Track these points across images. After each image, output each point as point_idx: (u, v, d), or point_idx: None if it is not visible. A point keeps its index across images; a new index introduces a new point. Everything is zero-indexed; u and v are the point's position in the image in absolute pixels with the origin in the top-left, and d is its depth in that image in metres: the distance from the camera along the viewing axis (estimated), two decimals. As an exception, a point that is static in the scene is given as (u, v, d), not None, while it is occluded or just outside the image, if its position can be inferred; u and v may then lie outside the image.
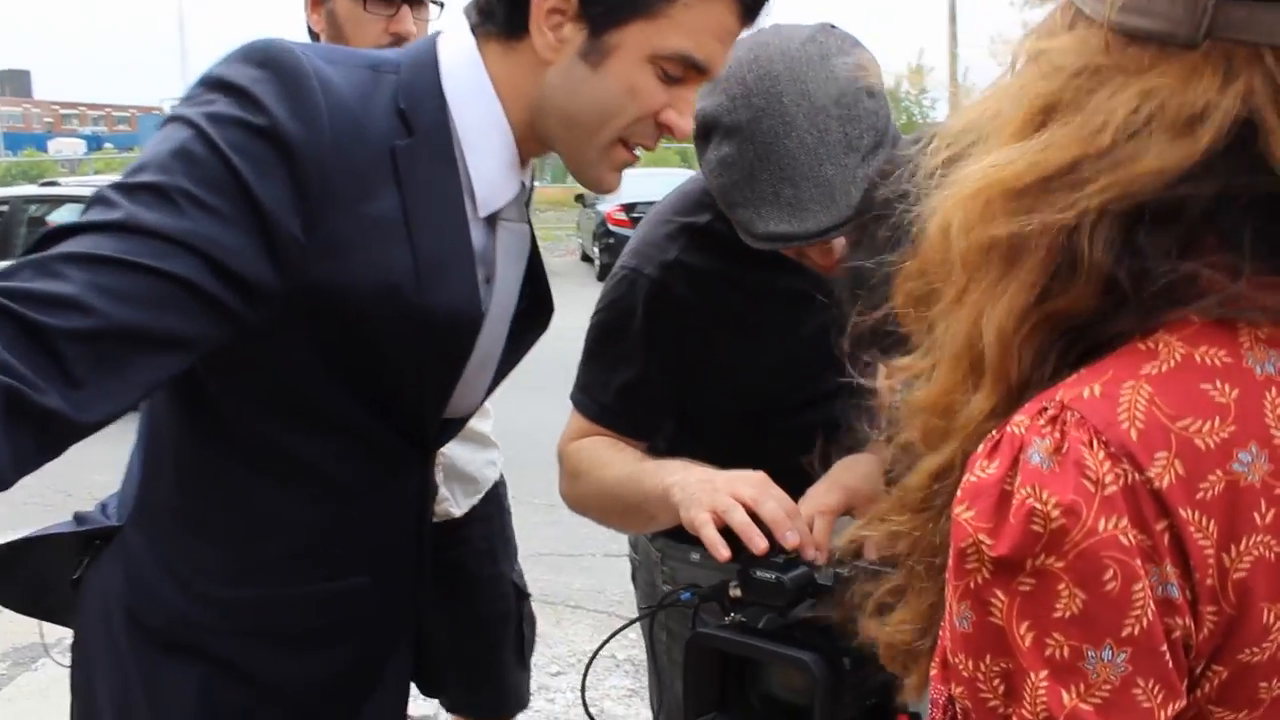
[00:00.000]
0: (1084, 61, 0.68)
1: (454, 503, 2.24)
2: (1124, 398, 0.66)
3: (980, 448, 0.70)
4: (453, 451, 2.22)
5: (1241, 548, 0.64)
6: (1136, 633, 0.63)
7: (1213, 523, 0.64)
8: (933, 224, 0.72)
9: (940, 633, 0.74)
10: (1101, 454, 0.64)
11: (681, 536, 1.85)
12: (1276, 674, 0.67)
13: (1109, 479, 0.64)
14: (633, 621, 1.59)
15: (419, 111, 1.15)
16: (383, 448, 1.26)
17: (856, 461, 1.53)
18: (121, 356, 0.96)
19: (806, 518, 1.37)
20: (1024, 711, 0.66)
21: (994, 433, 0.70)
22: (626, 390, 1.65)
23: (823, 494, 1.39)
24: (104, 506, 1.36)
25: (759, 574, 1.25)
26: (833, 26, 1.46)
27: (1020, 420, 0.68)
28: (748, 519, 1.31)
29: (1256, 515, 0.65)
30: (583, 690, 1.51)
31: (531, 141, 1.24)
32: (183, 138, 1.03)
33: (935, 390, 0.76)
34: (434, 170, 1.15)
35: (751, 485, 1.35)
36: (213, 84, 1.07)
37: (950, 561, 0.69)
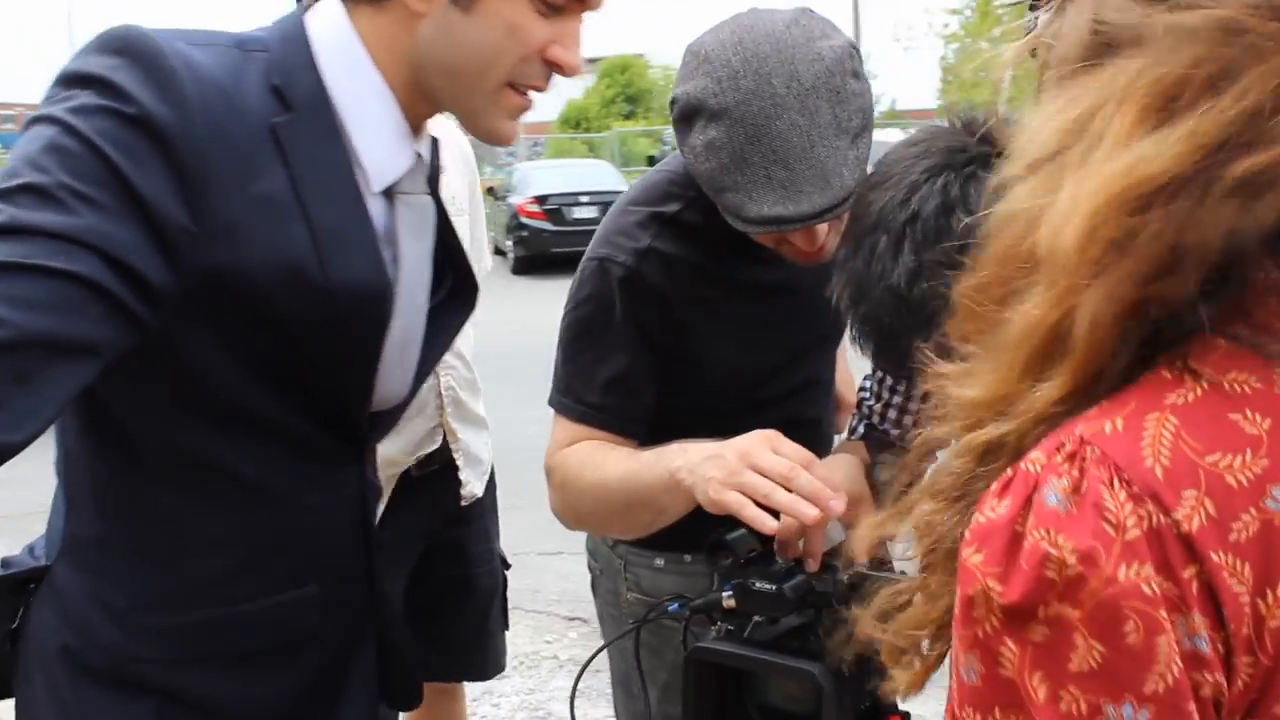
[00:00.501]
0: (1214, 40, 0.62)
1: (475, 485, 2.40)
2: (1148, 431, 0.62)
3: (992, 486, 0.66)
4: (466, 437, 2.38)
5: (1279, 593, 0.60)
6: (1161, 690, 0.59)
7: (1247, 566, 0.60)
8: (1048, 225, 0.67)
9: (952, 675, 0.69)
10: (1123, 494, 0.60)
11: (646, 543, 1.83)
12: None
13: (1131, 522, 0.59)
14: (623, 635, 1.55)
15: (294, 86, 1.10)
16: (311, 447, 1.21)
17: (839, 462, 1.52)
18: (38, 369, 0.91)
19: (795, 524, 1.35)
20: None
21: (1007, 471, 0.66)
22: (613, 384, 1.59)
23: None
24: (31, 548, 1.27)
25: (759, 585, 1.22)
26: (811, 10, 1.44)
27: (1035, 457, 0.64)
28: (790, 496, 1.25)
29: None
30: (572, 698, 1.47)
31: (419, 104, 1.19)
32: (50, 134, 0.96)
33: (995, 385, 0.70)
34: (318, 145, 1.11)
35: (770, 452, 1.29)
36: (71, 79, 1.01)
37: (957, 610, 0.65)
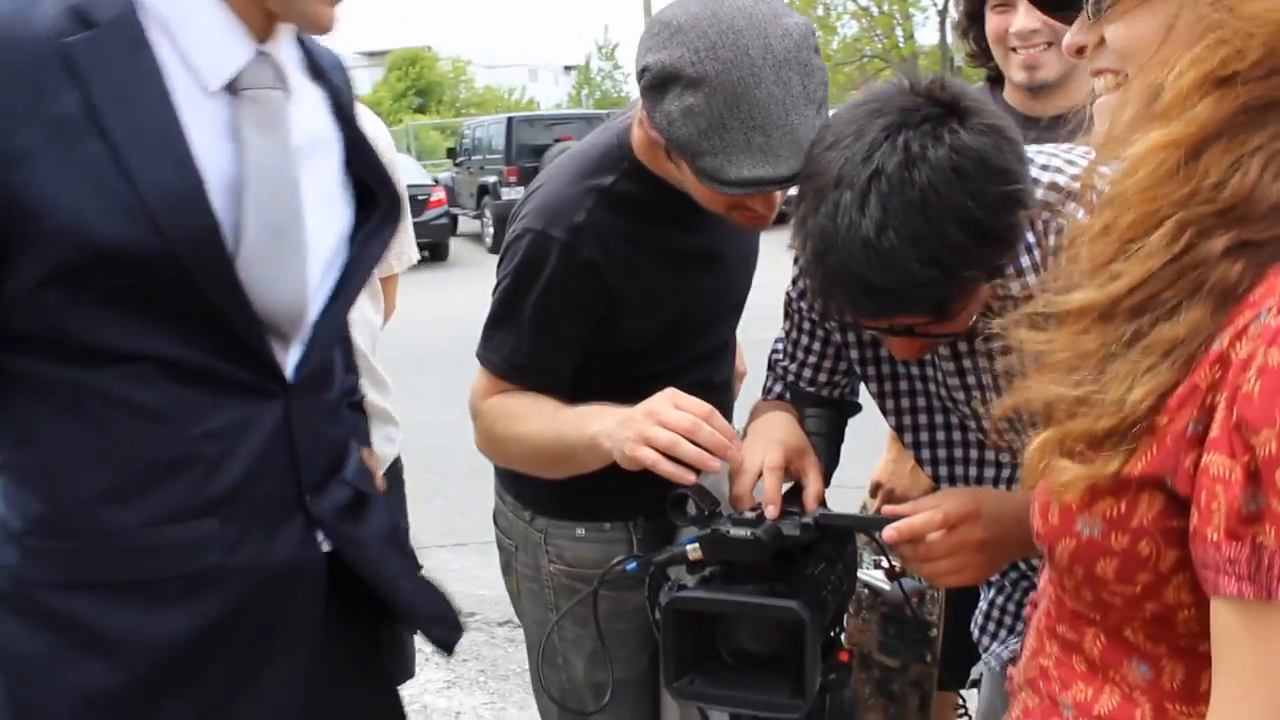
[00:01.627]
0: None
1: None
2: None
3: (1265, 316, 0.79)
4: None
5: None
6: None
7: None
8: None
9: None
10: None
11: (566, 514, 1.86)
12: None
13: None
14: (582, 598, 1.57)
15: (98, 9, 1.12)
16: (203, 374, 1.20)
17: (775, 418, 1.59)
18: None
19: (753, 480, 1.42)
20: None
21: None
22: (538, 349, 1.66)
23: (762, 451, 1.44)
24: None
25: (733, 532, 1.27)
26: None
27: None
28: (694, 448, 1.39)
29: None
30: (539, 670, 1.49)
31: (253, 11, 1.21)
32: None
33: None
34: (121, 57, 1.12)
35: (675, 408, 1.43)
36: None
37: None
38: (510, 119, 17.58)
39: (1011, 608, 1.77)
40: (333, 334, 1.35)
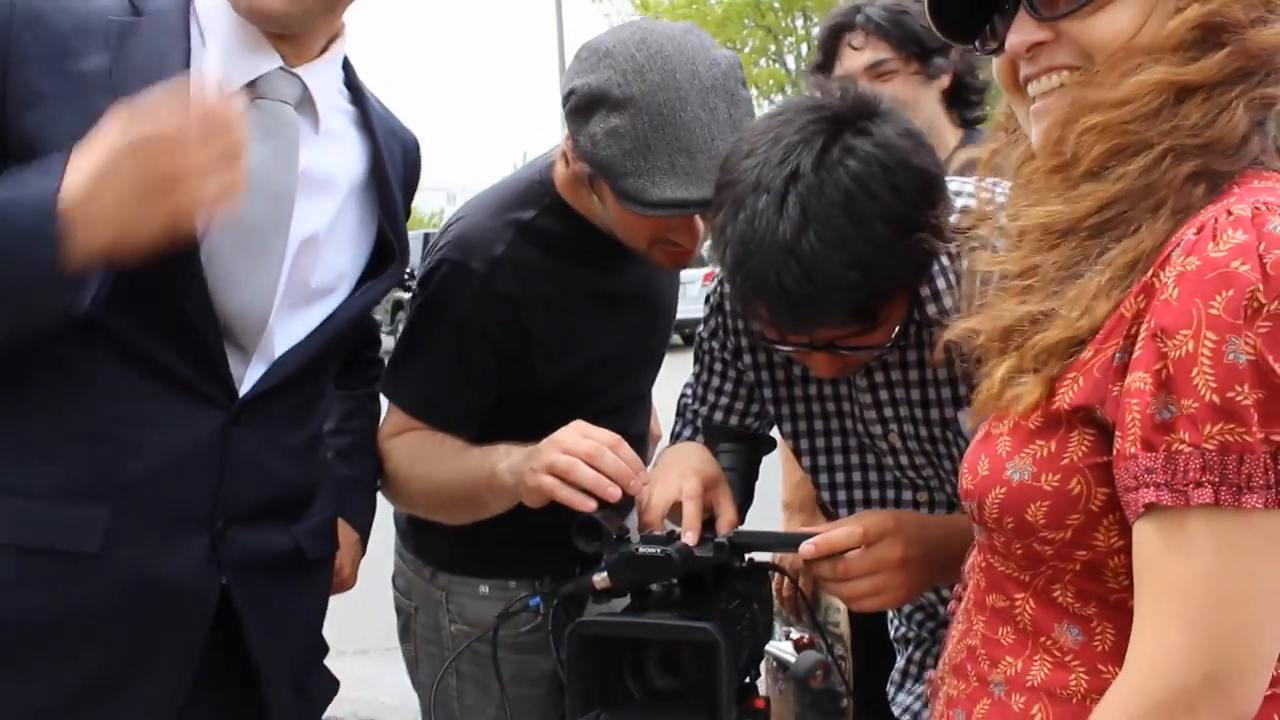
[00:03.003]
0: None
1: None
2: None
3: (1189, 233, 0.84)
4: None
5: None
6: None
7: None
8: None
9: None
10: None
11: (470, 570, 1.77)
12: None
13: None
14: (480, 636, 1.47)
15: (149, 1, 1.25)
16: (140, 350, 1.20)
17: (688, 449, 1.54)
18: None
19: (665, 505, 1.35)
20: None
21: (1197, 221, 0.84)
22: (449, 384, 1.60)
23: (679, 479, 1.38)
24: None
25: (643, 550, 1.20)
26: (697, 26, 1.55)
27: (1240, 208, 0.82)
28: (594, 472, 1.32)
29: None
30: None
31: (296, 39, 1.29)
32: None
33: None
34: (155, 45, 1.22)
35: (579, 436, 1.37)
36: None
37: (1221, 309, 0.79)
38: (426, 235, 17.67)
39: (930, 661, 1.70)
40: (305, 367, 1.34)
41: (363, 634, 4.66)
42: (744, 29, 22.94)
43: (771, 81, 21.89)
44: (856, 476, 1.58)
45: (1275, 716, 0.86)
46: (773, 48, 22.65)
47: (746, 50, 23.18)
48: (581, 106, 1.45)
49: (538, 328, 1.60)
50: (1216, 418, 0.79)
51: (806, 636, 1.39)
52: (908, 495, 1.54)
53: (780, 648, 1.46)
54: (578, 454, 1.34)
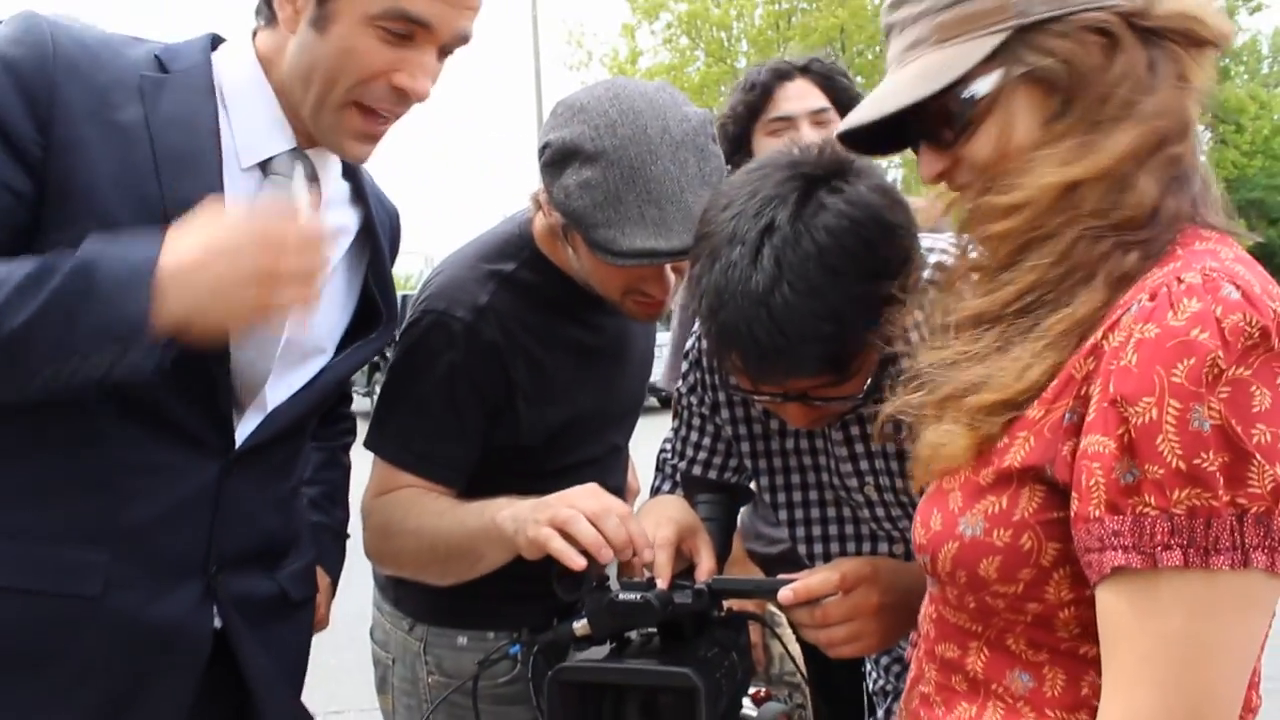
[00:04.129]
0: None
1: None
2: (1236, 268, 0.87)
3: (1145, 299, 0.87)
4: None
5: None
6: None
7: None
8: None
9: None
10: (1265, 296, 0.85)
11: (448, 621, 1.77)
12: None
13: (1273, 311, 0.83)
14: (459, 686, 1.47)
15: (175, 60, 1.31)
16: (145, 401, 1.23)
17: (667, 500, 1.56)
18: None
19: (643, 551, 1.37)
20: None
21: (1147, 291, 0.87)
22: (438, 434, 1.60)
23: (654, 527, 1.40)
24: None
25: (623, 597, 1.22)
26: (670, 84, 1.59)
27: (1190, 276, 0.85)
28: (594, 531, 1.31)
29: None
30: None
31: (299, 118, 1.34)
32: None
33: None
34: (185, 100, 1.28)
35: (589, 497, 1.37)
36: None
37: (1184, 376, 0.82)
38: (404, 297, 17.69)
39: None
40: (295, 421, 1.40)
41: (339, 695, 4.61)
42: (721, 96, 23.31)
43: (747, 147, 22.24)
44: (833, 530, 1.61)
45: None
46: (748, 114, 23.03)
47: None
48: (556, 159, 1.50)
49: (520, 378, 1.62)
50: (1184, 483, 0.81)
51: (764, 690, 1.41)
52: (884, 548, 1.57)
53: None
54: (584, 511, 1.34)
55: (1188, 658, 0.82)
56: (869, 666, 1.76)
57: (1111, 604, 0.85)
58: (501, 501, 1.48)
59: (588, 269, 1.57)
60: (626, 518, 1.35)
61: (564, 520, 1.33)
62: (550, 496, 1.41)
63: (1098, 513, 0.85)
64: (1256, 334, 0.81)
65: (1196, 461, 0.81)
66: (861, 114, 1.06)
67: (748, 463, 1.63)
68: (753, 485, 1.71)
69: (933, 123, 1.03)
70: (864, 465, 1.49)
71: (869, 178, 1.26)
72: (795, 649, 1.90)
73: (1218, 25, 0.96)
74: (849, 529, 1.59)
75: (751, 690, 1.51)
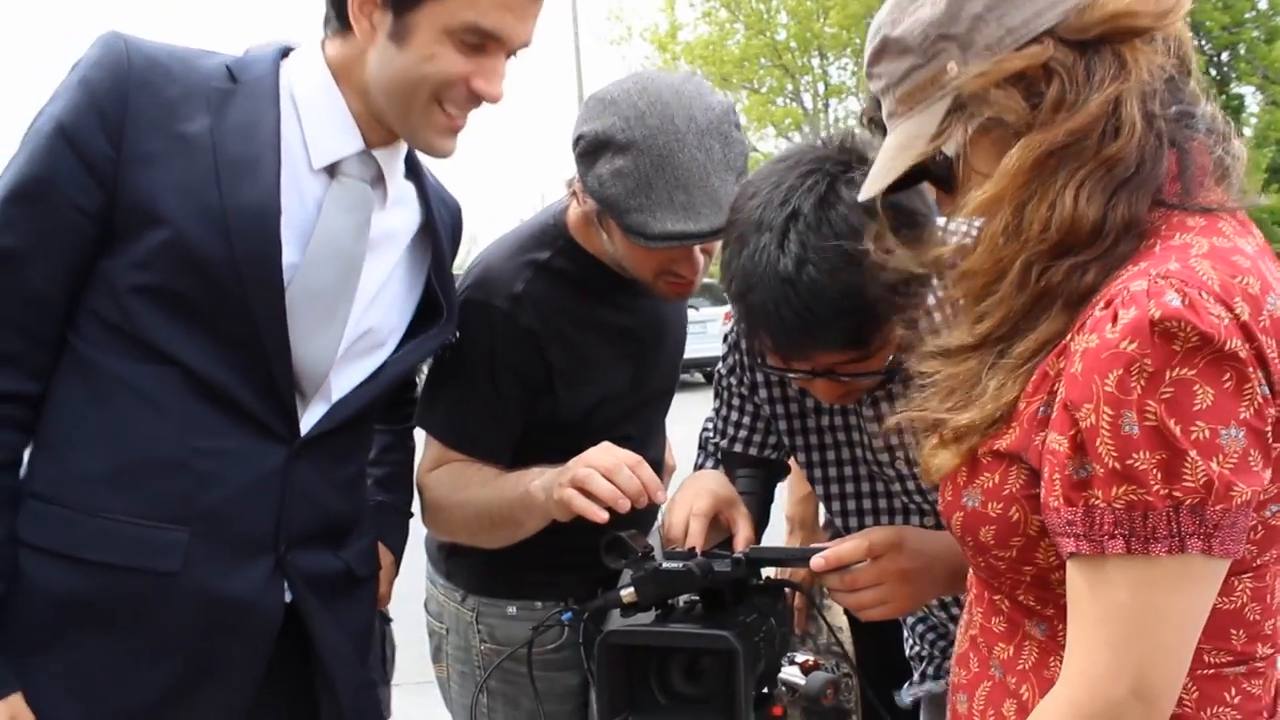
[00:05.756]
0: None
1: None
2: (1199, 267, 0.92)
3: (1097, 310, 0.94)
4: None
5: None
6: (1249, 416, 0.89)
7: (1274, 343, 0.92)
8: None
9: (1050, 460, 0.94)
10: (1211, 299, 0.90)
11: (496, 593, 1.86)
12: None
13: (1225, 313, 0.90)
14: (522, 645, 1.56)
15: (245, 71, 1.39)
16: (219, 389, 1.33)
17: (706, 474, 1.64)
18: None
19: (683, 521, 1.45)
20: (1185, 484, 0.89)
21: (1102, 301, 0.94)
22: (482, 416, 1.70)
23: (693, 498, 1.48)
24: None
25: (667, 566, 1.30)
26: (697, 74, 1.64)
27: (1136, 285, 0.92)
28: (609, 485, 1.43)
29: None
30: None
31: (375, 128, 1.43)
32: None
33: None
34: (250, 109, 1.36)
35: (602, 453, 1.49)
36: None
37: (1113, 386, 0.90)
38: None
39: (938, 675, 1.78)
40: (358, 412, 1.47)
41: (397, 668, 4.76)
42: (761, 69, 23.17)
43: (789, 120, 22.09)
44: (867, 504, 1.67)
45: (1227, 693, 1.00)
46: (790, 86, 22.88)
47: (764, 90, 23.41)
48: (589, 150, 1.58)
49: (557, 360, 1.71)
50: (1119, 481, 0.90)
51: (813, 659, 1.48)
52: (915, 520, 1.63)
53: (788, 672, 1.55)
54: (598, 468, 1.45)
55: (1136, 625, 0.92)
56: (906, 633, 1.83)
57: (1073, 578, 0.96)
58: (535, 471, 1.59)
59: (622, 252, 1.65)
60: (637, 467, 1.45)
61: (582, 479, 1.44)
62: (571, 461, 1.51)
63: (1056, 503, 0.95)
64: (1194, 339, 0.88)
65: (1129, 461, 0.90)
66: (869, 189, 1.17)
67: (785, 439, 1.70)
68: (791, 461, 1.78)
69: (929, 178, 1.14)
70: (893, 440, 1.55)
71: None
72: (843, 621, 1.97)
73: (1155, 8, 1.00)
74: (883, 503, 1.66)
75: (800, 659, 1.59)
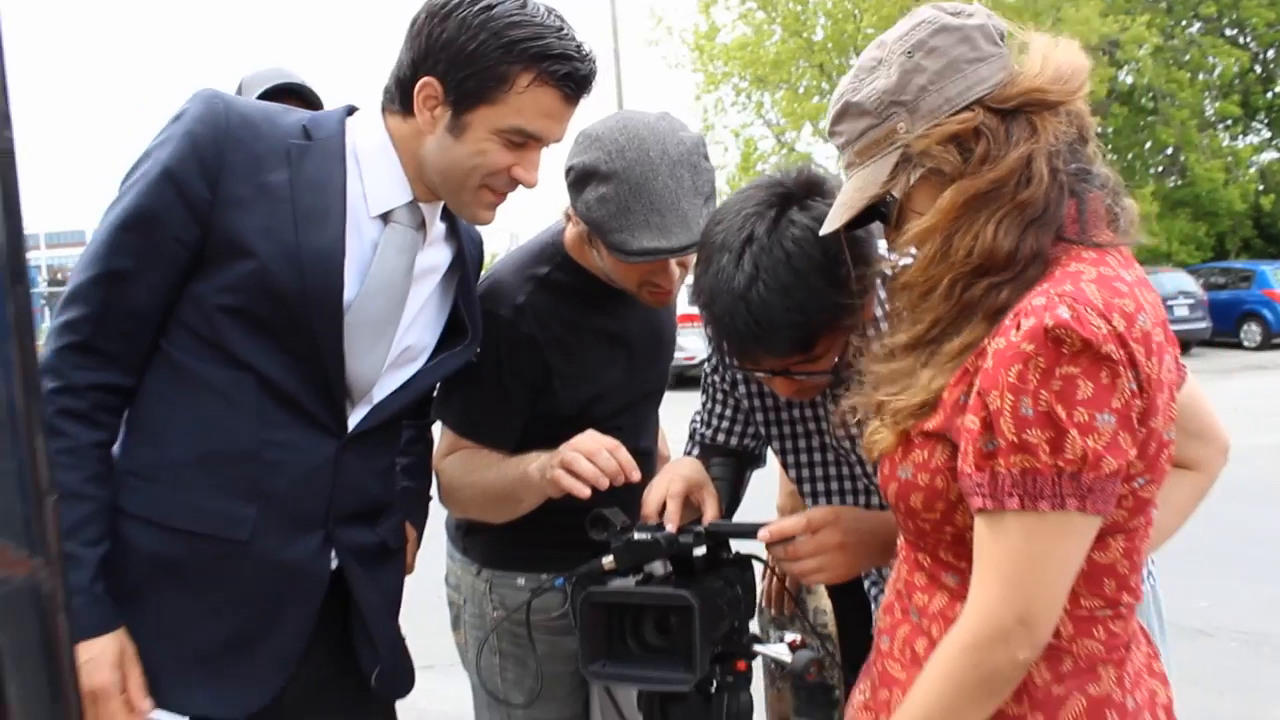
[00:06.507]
0: None
1: None
2: (1088, 289, 1.15)
3: (1007, 320, 1.17)
4: None
5: (1139, 361, 1.15)
6: (1119, 405, 1.12)
7: (1140, 350, 1.14)
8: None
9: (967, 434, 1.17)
10: (1094, 313, 1.12)
11: (507, 566, 2.09)
12: (1159, 440, 1.19)
13: (1104, 323, 1.12)
14: (513, 612, 1.79)
15: (319, 129, 1.63)
16: (287, 395, 1.57)
17: (682, 461, 1.86)
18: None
19: (658, 500, 1.67)
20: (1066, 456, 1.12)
21: (1010, 313, 1.17)
22: (490, 410, 1.95)
23: (669, 481, 1.70)
24: None
25: (638, 537, 1.52)
26: (670, 113, 1.89)
27: (1037, 301, 1.15)
28: (591, 466, 1.66)
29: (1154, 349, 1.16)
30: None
31: (421, 185, 1.66)
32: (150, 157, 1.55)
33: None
34: (322, 165, 1.59)
35: (586, 438, 1.72)
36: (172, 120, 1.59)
37: (1013, 377, 1.13)
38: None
39: None
40: (395, 413, 1.74)
41: (427, 650, 5.01)
42: (796, 69, 23.28)
43: (823, 116, 22.15)
44: (834, 485, 1.88)
45: (1095, 630, 1.22)
46: (825, 85, 22.99)
47: (801, 89, 23.52)
48: (578, 179, 1.82)
49: (556, 362, 1.94)
50: (1017, 451, 1.13)
51: (799, 639, 1.69)
52: (875, 500, 1.84)
53: (777, 650, 1.75)
54: (582, 451, 1.68)
55: (1026, 566, 1.14)
56: (875, 613, 2.03)
57: (979, 530, 1.18)
58: (532, 456, 1.82)
59: (608, 266, 1.88)
60: (615, 450, 1.68)
61: (569, 461, 1.68)
62: (561, 446, 1.74)
63: (969, 469, 1.17)
64: (1079, 343, 1.10)
65: (1025, 436, 1.12)
66: (831, 223, 1.39)
67: (763, 430, 1.91)
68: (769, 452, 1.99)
69: (878, 216, 1.37)
70: (854, 431, 1.76)
71: (835, 195, 1.53)
72: (826, 605, 2.19)
73: (1061, 89, 1.24)
74: (847, 484, 1.87)
75: (789, 639, 1.78)
